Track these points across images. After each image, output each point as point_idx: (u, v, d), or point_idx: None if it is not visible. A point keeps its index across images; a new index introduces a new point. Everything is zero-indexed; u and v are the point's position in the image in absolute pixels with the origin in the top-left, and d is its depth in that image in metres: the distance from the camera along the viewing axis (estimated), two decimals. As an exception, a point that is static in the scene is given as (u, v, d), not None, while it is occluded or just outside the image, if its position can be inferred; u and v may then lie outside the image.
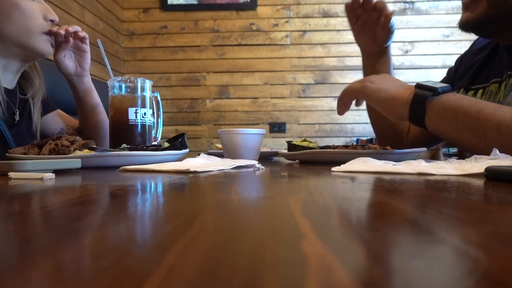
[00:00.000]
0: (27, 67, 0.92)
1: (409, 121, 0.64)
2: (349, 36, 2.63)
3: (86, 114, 0.98)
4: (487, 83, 0.82)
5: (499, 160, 0.45)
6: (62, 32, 0.86)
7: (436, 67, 2.59)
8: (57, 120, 1.01)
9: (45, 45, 0.85)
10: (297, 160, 0.78)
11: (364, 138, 2.53)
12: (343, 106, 0.75)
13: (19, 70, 0.90)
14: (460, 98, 0.59)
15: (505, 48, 0.79)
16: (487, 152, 0.48)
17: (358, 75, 2.61)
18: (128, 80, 0.81)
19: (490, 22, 0.73)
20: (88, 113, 0.97)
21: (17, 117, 0.88)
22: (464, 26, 0.77)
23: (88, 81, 0.96)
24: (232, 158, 0.77)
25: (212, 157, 0.68)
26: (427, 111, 0.60)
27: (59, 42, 0.88)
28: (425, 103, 0.60)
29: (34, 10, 0.82)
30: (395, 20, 0.88)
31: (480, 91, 0.82)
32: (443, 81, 1.00)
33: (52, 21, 0.86)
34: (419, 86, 0.62)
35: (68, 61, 0.91)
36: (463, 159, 0.50)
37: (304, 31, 2.64)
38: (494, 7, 0.71)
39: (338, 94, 0.76)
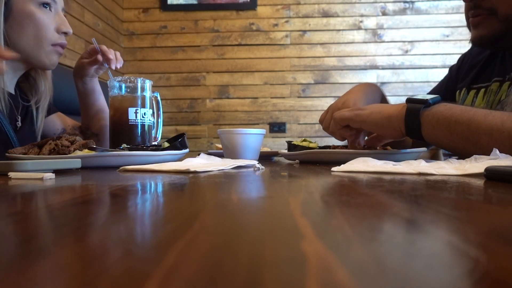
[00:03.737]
0: (33, 71, 0.92)
1: (407, 136, 0.64)
2: (349, 36, 2.63)
3: (90, 117, 0.98)
4: (489, 82, 0.82)
5: (499, 160, 0.45)
6: (111, 57, 0.88)
7: (436, 67, 2.59)
8: (57, 122, 1.01)
9: (51, 58, 0.86)
10: (297, 160, 0.78)
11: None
12: (347, 135, 0.73)
13: (22, 72, 0.90)
14: (450, 107, 0.60)
15: (509, 50, 0.79)
16: None
17: (358, 75, 2.61)
18: (128, 80, 0.81)
19: (505, 37, 0.73)
20: (93, 116, 0.98)
21: (19, 123, 0.88)
22: (478, 43, 0.78)
23: (95, 82, 0.97)
24: (232, 158, 0.77)
25: (212, 157, 0.68)
26: (422, 123, 0.61)
27: (98, 59, 0.89)
28: (419, 115, 0.61)
29: (48, 22, 0.82)
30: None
31: (482, 90, 0.82)
32: (444, 79, 1.00)
33: (65, 33, 0.86)
34: (409, 100, 0.63)
35: (92, 67, 0.93)
36: (463, 159, 0.50)
37: (304, 31, 2.64)
38: (508, 21, 0.71)
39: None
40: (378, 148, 0.76)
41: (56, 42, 0.84)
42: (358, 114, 0.68)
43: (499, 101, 0.75)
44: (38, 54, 0.83)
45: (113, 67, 0.88)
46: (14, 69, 0.87)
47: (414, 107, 0.62)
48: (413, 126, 0.62)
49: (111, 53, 0.89)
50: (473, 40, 0.78)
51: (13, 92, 0.89)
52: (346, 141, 0.80)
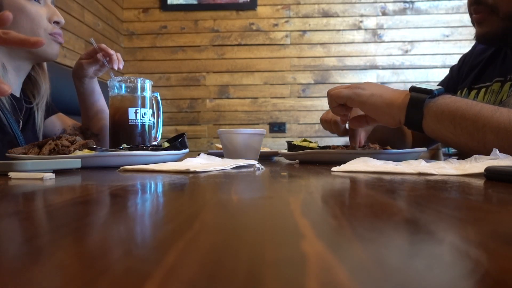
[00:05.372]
0: (33, 71, 0.92)
1: (405, 125, 0.62)
2: (349, 36, 2.63)
3: (90, 117, 0.98)
4: (490, 82, 0.81)
5: (499, 160, 0.45)
6: (111, 52, 0.88)
7: (436, 67, 2.59)
8: (58, 123, 1.01)
9: (52, 47, 0.86)
10: (297, 160, 0.78)
11: (364, 138, 2.52)
12: (340, 114, 0.71)
13: (27, 72, 0.90)
14: (456, 100, 0.58)
15: (511, 49, 0.79)
16: (486, 155, 0.47)
17: (358, 75, 2.61)
18: (128, 80, 0.81)
19: (508, 34, 0.73)
20: (92, 116, 0.98)
21: (21, 125, 0.88)
22: (482, 40, 0.77)
23: (94, 83, 0.98)
24: (232, 158, 0.77)
25: (212, 157, 0.68)
26: (424, 114, 0.59)
27: (98, 59, 0.89)
28: (422, 106, 0.58)
29: (39, 13, 0.83)
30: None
31: (483, 90, 0.82)
32: (445, 79, 1.00)
33: (57, 23, 0.86)
34: (414, 89, 0.60)
35: (91, 68, 0.93)
36: (463, 159, 0.50)
37: (304, 31, 2.64)
38: (508, 19, 0.70)
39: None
40: (378, 148, 0.76)
41: (51, 32, 0.85)
42: (358, 94, 0.64)
43: (501, 101, 0.75)
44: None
45: (115, 67, 0.88)
46: (18, 69, 0.87)
47: (419, 97, 0.59)
48: (415, 117, 0.59)
49: (111, 51, 0.89)
50: (477, 37, 0.77)
51: (18, 95, 0.89)
52: (346, 141, 0.80)
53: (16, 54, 0.84)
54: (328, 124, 0.81)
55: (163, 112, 0.93)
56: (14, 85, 0.87)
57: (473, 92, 0.84)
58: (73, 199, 0.28)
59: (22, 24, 0.81)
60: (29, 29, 0.82)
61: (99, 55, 0.89)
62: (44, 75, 0.95)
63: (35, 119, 0.92)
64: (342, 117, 0.72)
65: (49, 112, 0.99)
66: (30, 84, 0.93)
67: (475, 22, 0.76)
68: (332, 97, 0.68)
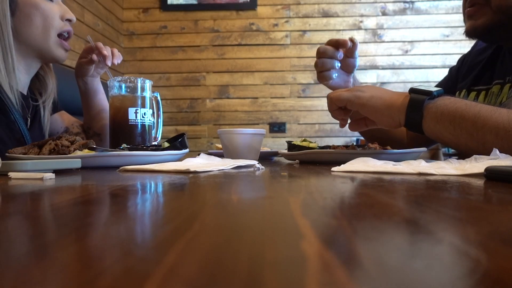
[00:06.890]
0: (42, 70, 0.93)
1: (405, 127, 0.62)
2: (349, 36, 2.63)
3: (92, 117, 0.98)
4: (489, 84, 0.81)
5: (499, 160, 0.45)
6: (106, 53, 0.88)
7: (436, 67, 2.59)
8: (61, 120, 1.02)
9: (59, 51, 0.87)
10: (297, 160, 0.78)
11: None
12: (339, 117, 0.71)
13: (36, 70, 0.91)
14: (456, 101, 0.58)
15: (509, 51, 0.79)
16: (486, 155, 0.47)
17: (358, 75, 2.59)
18: (128, 80, 0.81)
19: (498, 28, 0.72)
20: (94, 115, 0.98)
21: (28, 123, 0.89)
22: (472, 33, 0.77)
23: (97, 82, 0.98)
24: (232, 158, 0.77)
25: (212, 157, 0.68)
26: (424, 115, 0.59)
27: (95, 58, 0.90)
28: (422, 107, 0.59)
29: (53, 11, 0.84)
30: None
31: (483, 92, 0.82)
32: (444, 80, 1.00)
33: (69, 20, 0.87)
34: (413, 90, 0.61)
35: (90, 66, 0.93)
36: (463, 159, 0.50)
37: (304, 31, 2.64)
38: (501, 12, 0.70)
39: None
40: (378, 148, 0.76)
41: (62, 29, 0.85)
42: (358, 96, 0.65)
43: (501, 103, 0.75)
44: (48, 46, 0.84)
45: (109, 64, 0.88)
46: (29, 67, 0.87)
47: (418, 98, 0.59)
48: (415, 118, 0.60)
49: (106, 50, 0.89)
50: (467, 31, 0.77)
51: (25, 93, 0.89)
52: (346, 141, 0.79)
53: (27, 53, 0.85)
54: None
55: (163, 112, 0.93)
56: (23, 83, 0.88)
57: (473, 94, 0.84)
58: (73, 199, 0.28)
59: (35, 21, 0.82)
60: (42, 26, 0.82)
61: (94, 56, 0.89)
62: (51, 74, 0.96)
63: (41, 116, 0.93)
64: (342, 121, 0.72)
65: (55, 110, 1.00)
66: (37, 83, 0.94)
67: (466, 15, 0.76)
68: (332, 100, 0.68)
